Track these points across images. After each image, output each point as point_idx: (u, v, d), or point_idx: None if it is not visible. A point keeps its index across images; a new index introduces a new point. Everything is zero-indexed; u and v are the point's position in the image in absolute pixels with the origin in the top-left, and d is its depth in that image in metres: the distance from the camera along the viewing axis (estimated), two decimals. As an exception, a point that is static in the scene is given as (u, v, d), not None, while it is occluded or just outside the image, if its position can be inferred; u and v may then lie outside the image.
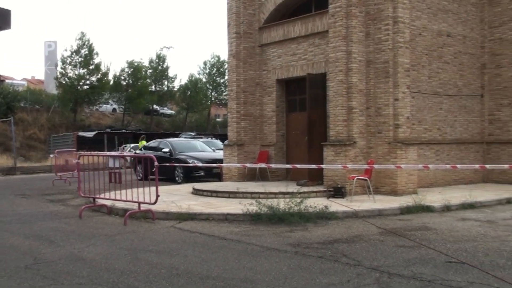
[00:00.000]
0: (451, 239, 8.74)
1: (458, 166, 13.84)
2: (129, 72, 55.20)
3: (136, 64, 55.89)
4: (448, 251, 7.80)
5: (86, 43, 49.60)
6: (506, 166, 12.48)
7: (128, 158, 24.64)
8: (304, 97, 16.96)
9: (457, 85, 17.54)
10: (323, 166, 14.49)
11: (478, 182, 17.86)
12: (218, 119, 70.87)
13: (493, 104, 18.20)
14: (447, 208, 12.21)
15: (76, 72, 49.32)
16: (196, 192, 15.52)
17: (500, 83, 18.02)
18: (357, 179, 13.81)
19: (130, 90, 54.43)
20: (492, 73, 18.24)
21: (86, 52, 49.46)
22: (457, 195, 13.84)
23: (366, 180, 13.84)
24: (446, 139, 17.24)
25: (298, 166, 13.92)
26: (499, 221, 10.71)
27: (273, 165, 16.47)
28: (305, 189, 14.44)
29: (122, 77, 55.30)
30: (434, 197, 13.52)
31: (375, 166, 13.74)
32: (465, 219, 10.96)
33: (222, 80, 61.53)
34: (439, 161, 16.84)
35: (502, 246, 8.13)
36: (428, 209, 11.99)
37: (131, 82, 55.08)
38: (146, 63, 58.41)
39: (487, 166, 14.31)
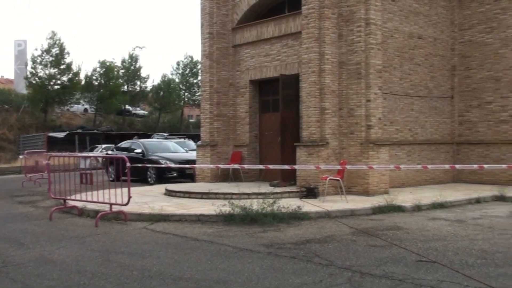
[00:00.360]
0: (422, 239, 8.85)
1: (429, 166, 14.04)
2: (101, 72, 54.62)
3: (108, 64, 55.33)
4: (419, 250, 7.89)
5: (57, 42, 48.91)
6: (475, 166, 12.70)
7: (100, 159, 24.39)
8: (277, 98, 17.00)
9: (428, 86, 17.78)
10: (296, 166, 14.54)
11: (448, 182, 18.13)
12: (191, 120, 70.55)
13: (463, 106, 18.50)
14: (418, 208, 12.36)
15: (47, 72, 48.59)
16: (169, 193, 15.43)
17: (469, 85, 18.32)
18: (330, 179, 13.89)
19: (102, 90, 53.85)
20: (462, 75, 18.55)
21: (57, 52, 48.76)
22: (428, 195, 14.02)
23: (338, 180, 13.93)
24: (417, 139, 17.46)
25: (271, 166, 13.95)
26: (468, 220, 10.87)
27: (246, 166, 16.48)
28: (278, 189, 14.47)
29: (94, 77, 54.68)
30: (406, 197, 13.67)
31: (348, 166, 13.84)
32: (435, 218, 11.11)
33: (195, 81, 61.30)
34: (411, 161, 17.04)
35: (471, 245, 8.25)
36: (399, 209, 12.12)
37: (103, 82, 54.50)
38: (119, 63, 57.90)
39: (457, 166, 14.52)
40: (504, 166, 12.73)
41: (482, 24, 17.93)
